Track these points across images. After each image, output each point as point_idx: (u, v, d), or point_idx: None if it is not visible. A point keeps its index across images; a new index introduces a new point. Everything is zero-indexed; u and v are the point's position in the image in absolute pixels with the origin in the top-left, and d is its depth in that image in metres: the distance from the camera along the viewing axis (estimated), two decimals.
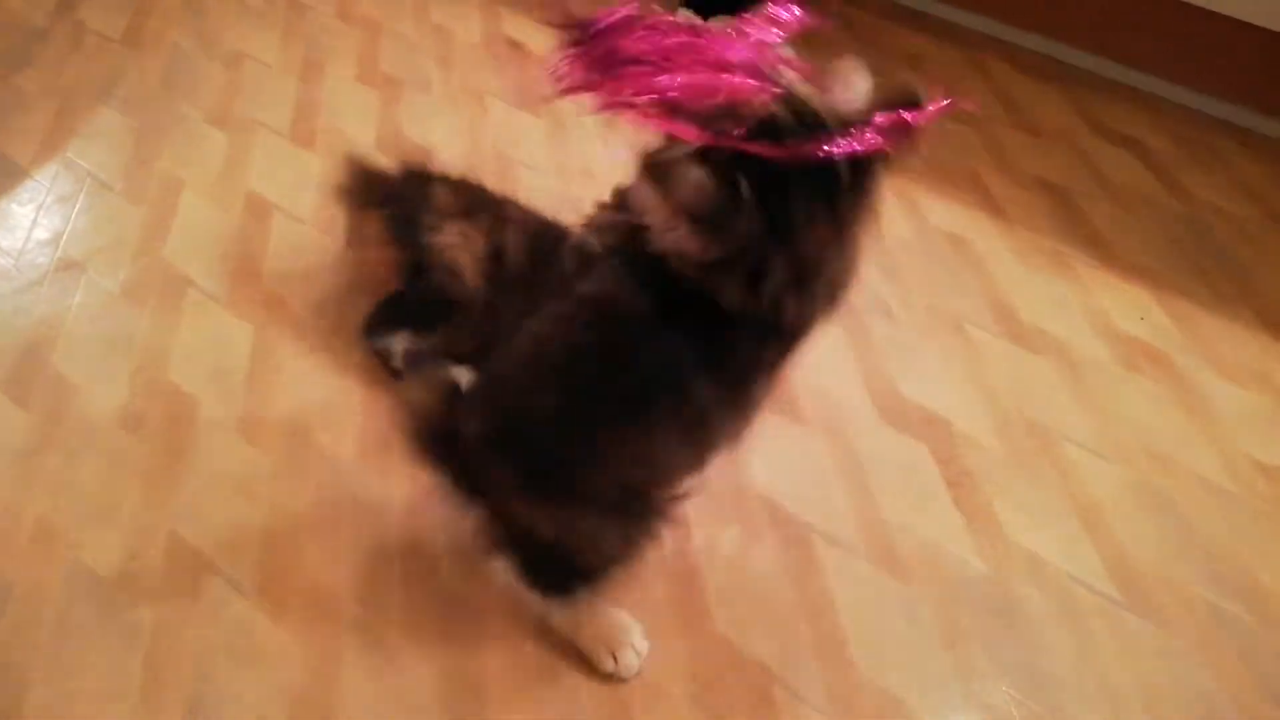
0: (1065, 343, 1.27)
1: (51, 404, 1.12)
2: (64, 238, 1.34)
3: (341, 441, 1.09)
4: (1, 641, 0.91)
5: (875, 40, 1.87)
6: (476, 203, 1.17)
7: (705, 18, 1.86)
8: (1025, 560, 1.02)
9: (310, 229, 1.36)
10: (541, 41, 1.79)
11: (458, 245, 1.12)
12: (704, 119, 0.69)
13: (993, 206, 1.48)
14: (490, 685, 0.90)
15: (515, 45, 1.79)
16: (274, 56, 1.71)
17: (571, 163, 1.52)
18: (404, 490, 1.04)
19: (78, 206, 1.39)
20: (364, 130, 1.55)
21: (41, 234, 1.34)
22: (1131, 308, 1.32)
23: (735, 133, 0.68)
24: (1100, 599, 0.99)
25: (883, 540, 1.03)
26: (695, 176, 0.68)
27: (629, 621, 0.92)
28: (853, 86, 0.71)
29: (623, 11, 0.73)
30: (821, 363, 1.22)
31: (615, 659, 0.89)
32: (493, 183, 1.35)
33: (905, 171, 1.54)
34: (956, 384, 1.20)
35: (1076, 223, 1.46)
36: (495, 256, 1.11)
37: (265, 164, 1.47)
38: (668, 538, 0.98)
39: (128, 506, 1.02)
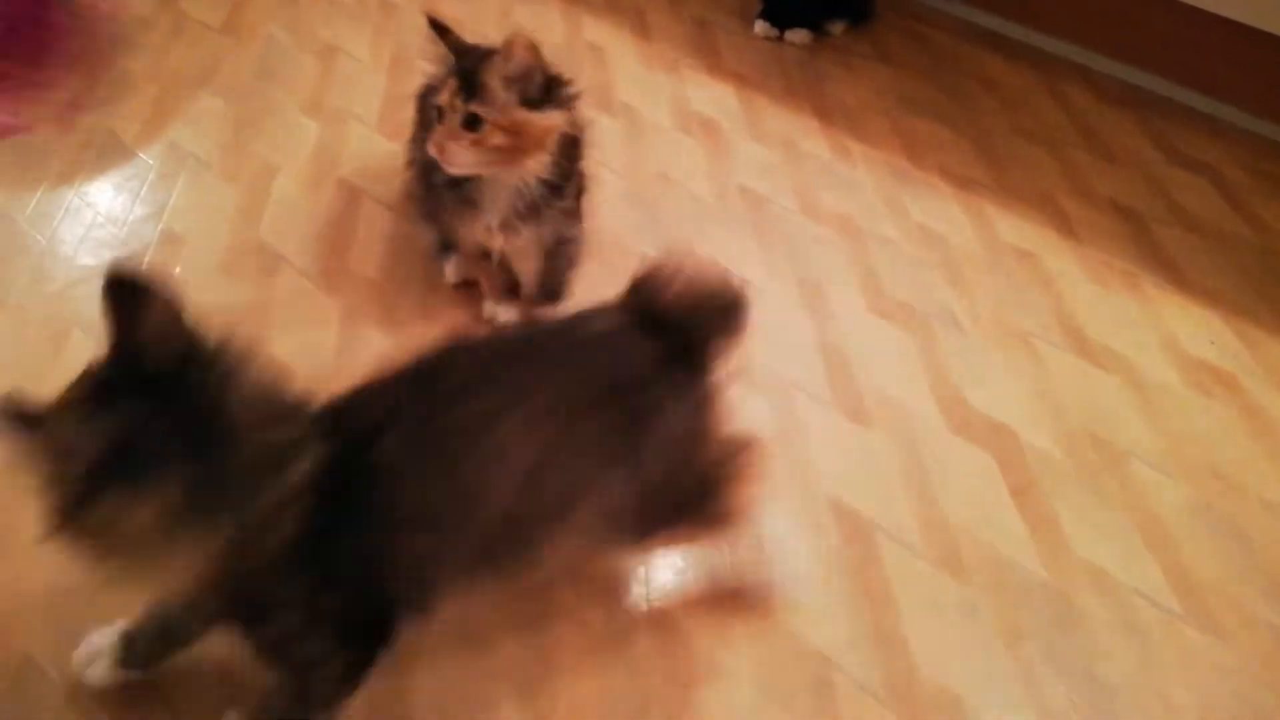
0: (1133, 362, 1.28)
1: None
2: (166, 212, 1.41)
3: None
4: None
5: (951, 61, 1.89)
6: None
7: (781, 31, 1.90)
8: (1087, 570, 1.04)
9: (397, 215, 1.41)
10: (621, 46, 1.85)
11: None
12: None
13: (1064, 226, 1.50)
14: (560, 656, 0.93)
15: (595, 49, 1.84)
16: (365, 52, 1.79)
17: (646, 165, 1.56)
18: None
19: (179, 184, 1.47)
20: None
21: (146, 208, 1.42)
22: (1201, 331, 1.33)
23: None
24: (1161, 612, 1.00)
25: (945, 542, 1.05)
26: None
27: None
28: None
29: None
30: (889, 369, 1.24)
31: None
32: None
33: (976, 186, 1.56)
34: (1023, 396, 1.22)
35: (1148, 246, 1.47)
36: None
37: (355, 153, 1.54)
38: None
39: None
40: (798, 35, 1.90)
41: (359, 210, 1.43)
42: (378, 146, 1.56)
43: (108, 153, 1.53)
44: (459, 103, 1.06)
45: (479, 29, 1.88)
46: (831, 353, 1.26)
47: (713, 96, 1.74)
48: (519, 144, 1.08)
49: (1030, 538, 1.06)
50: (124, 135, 1.56)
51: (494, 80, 1.06)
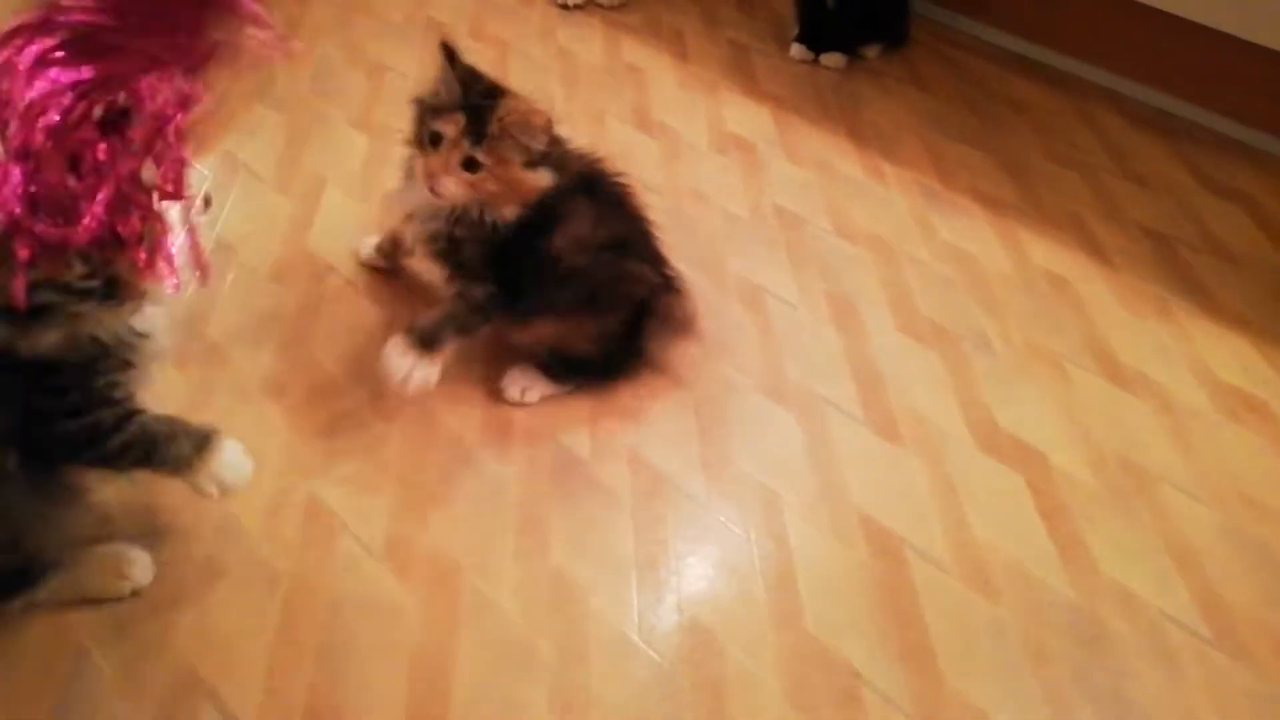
0: (1165, 387, 1.28)
1: (206, 369, 1.23)
2: (220, 221, 1.46)
3: (466, 422, 1.17)
4: (156, 574, 1.01)
5: (983, 85, 1.92)
6: None
7: (817, 54, 1.94)
8: (1116, 593, 1.05)
9: None
10: (659, 68, 1.89)
11: None
12: None
13: (1096, 251, 1.51)
14: (592, 655, 0.96)
15: (634, 70, 1.88)
16: (412, 69, 1.84)
17: (683, 183, 1.60)
18: (519, 470, 1.12)
19: (233, 194, 1.52)
20: None
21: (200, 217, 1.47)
22: (1233, 358, 1.34)
23: None
24: (1190, 636, 1.01)
25: (974, 560, 1.07)
26: None
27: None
28: None
29: None
30: (920, 388, 1.26)
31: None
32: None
33: (1008, 209, 1.58)
34: (1054, 419, 1.23)
35: (1180, 272, 1.48)
36: None
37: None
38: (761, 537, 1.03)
39: (272, 466, 1.12)
40: (833, 59, 1.93)
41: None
42: None
43: None
44: (465, 143, 1.07)
45: (524, 47, 1.93)
46: (863, 370, 1.28)
47: (749, 117, 1.78)
48: (503, 194, 1.10)
49: (1059, 559, 1.08)
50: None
51: (503, 131, 1.07)
